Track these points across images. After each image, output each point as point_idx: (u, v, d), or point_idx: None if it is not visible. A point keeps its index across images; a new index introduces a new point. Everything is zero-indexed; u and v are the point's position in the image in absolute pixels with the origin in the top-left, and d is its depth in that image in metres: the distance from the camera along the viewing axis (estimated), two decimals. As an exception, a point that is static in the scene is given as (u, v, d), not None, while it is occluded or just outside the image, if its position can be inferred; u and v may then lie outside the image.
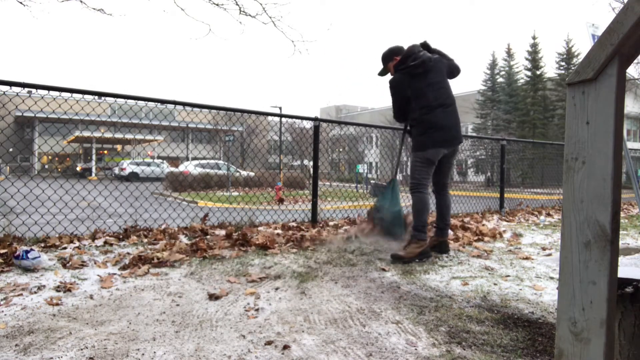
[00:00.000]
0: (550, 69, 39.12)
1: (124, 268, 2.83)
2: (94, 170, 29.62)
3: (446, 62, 3.56)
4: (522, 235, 4.70)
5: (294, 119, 4.25)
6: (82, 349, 1.66)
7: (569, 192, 0.93)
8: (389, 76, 3.65)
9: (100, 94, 3.70)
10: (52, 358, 1.59)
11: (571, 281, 0.91)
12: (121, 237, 3.70)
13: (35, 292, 2.32)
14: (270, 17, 5.91)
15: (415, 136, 3.46)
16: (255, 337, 1.84)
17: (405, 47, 3.55)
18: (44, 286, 2.42)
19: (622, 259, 2.11)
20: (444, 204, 3.63)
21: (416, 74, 3.38)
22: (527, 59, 30.08)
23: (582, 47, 29.13)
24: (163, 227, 4.09)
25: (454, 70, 3.61)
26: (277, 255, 3.34)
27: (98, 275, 2.66)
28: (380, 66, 3.70)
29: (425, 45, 3.57)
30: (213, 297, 2.34)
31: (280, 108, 26.67)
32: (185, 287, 2.51)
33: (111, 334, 1.82)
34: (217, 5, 5.82)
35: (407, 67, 3.40)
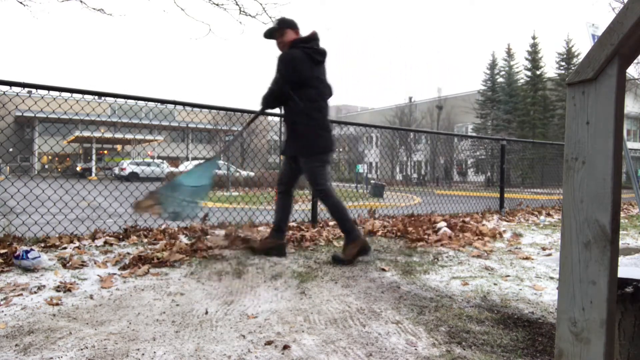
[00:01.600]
0: (550, 69, 39.11)
1: (124, 268, 2.83)
2: (94, 170, 29.62)
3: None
4: (522, 235, 4.70)
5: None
6: (82, 349, 1.66)
7: (569, 192, 0.93)
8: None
9: (100, 94, 3.70)
10: (52, 358, 1.59)
11: (571, 281, 0.91)
12: (121, 237, 3.70)
13: (35, 292, 2.32)
14: (270, 17, 5.92)
15: (307, 138, 3.16)
16: (255, 337, 1.84)
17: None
18: (44, 286, 2.42)
19: (622, 259, 2.11)
20: (290, 205, 3.43)
21: (315, 60, 3.14)
22: (527, 59, 30.07)
23: (582, 47, 29.14)
24: (163, 227, 4.09)
25: (330, 88, 3.40)
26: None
27: (98, 275, 2.66)
28: (270, 26, 3.35)
29: None
30: (213, 297, 2.34)
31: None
32: (185, 287, 2.51)
33: (111, 334, 1.82)
34: (217, 5, 5.82)
35: (310, 47, 3.14)
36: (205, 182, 3.19)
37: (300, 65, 3.08)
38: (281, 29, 3.24)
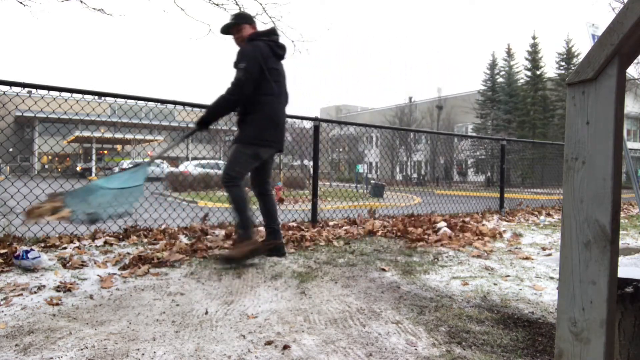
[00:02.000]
0: (550, 69, 39.10)
1: (124, 268, 2.83)
2: (94, 170, 29.62)
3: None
4: (522, 235, 4.70)
5: (294, 119, 4.25)
6: (82, 349, 1.66)
7: (569, 192, 0.93)
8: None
9: (100, 94, 3.70)
10: (52, 358, 1.59)
11: (571, 281, 0.91)
12: (121, 237, 3.70)
13: (35, 292, 2.32)
14: (270, 17, 5.92)
15: (250, 126, 3.04)
16: (255, 337, 1.84)
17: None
18: (44, 286, 2.42)
19: (622, 259, 2.11)
20: (271, 204, 3.30)
21: (276, 53, 3.08)
22: (527, 59, 30.07)
23: (582, 47, 29.13)
24: (163, 227, 4.09)
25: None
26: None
27: (98, 275, 2.66)
28: (227, 21, 3.20)
29: None
30: (213, 297, 2.34)
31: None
32: (185, 287, 2.51)
33: (111, 334, 1.82)
34: (217, 5, 5.83)
35: (271, 40, 3.07)
36: (136, 183, 3.05)
37: (260, 57, 2.97)
38: (238, 24, 3.15)
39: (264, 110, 3.02)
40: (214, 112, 3.09)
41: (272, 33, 3.16)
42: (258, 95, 3.00)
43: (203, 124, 3.12)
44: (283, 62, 3.21)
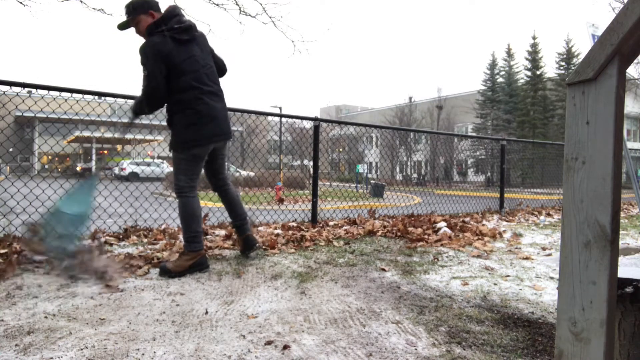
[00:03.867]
0: (550, 69, 39.09)
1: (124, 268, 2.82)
2: (94, 170, 29.62)
3: (210, 48, 2.93)
4: (522, 235, 4.70)
5: (294, 119, 4.25)
6: (82, 349, 1.66)
7: (569, 192, 0.93)
8: (131, 32, 2.78)
9: (100, 94, 3.70)
10: (52, 358, 1.59)
11: (571, 281, 0.91)
12: (121, 237, 3.70)
13: (35, 292, 2.32)
14: (270, 17, 5.92)
15: (177, 128, 2.77)
16: (255, 337, 1.84)
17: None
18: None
19: (622, 259, 2.11)
20: (231, 198, 3.09)
21: (181, 40, 2.68)
22: (527, 59, 30.09)
23: (582, 47, 29.13)
24: (163, 227, 4.09)
25: (220, 64, 2.99)
26: (277, 255, 3.34)
27: (98, 275, 2.66)
28: (123, 16, 2.80)
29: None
30: (213, 297, 2.34)
31: (280, 108, 26.68)
32: (185, 287, 2.51)
33: (111, 334, 1.82)
34: (217, 5, 5.82)
35: (170, 28, 2.66)
36: (84, 209, 2.73)
37: (161, 52, 2.61)
38: (133, 18, 2.74)
39: (188, 108, 2.72)
40: (136, 112, 2.85)
41: (168, 18, 2.72)
42: (176, 94, 2.71)
43: (134, 115, 2.88)
44: (195, 41, 2.79)
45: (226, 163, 3.17)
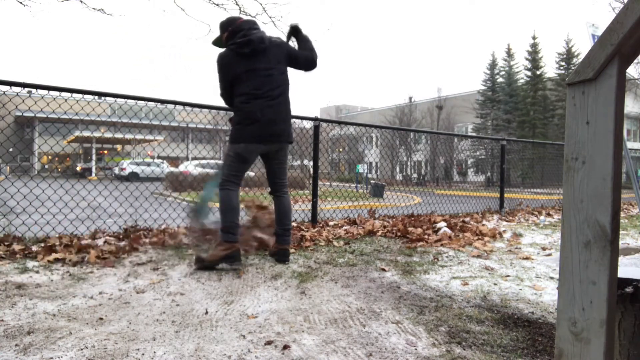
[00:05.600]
0: (550, 69, 39.14)
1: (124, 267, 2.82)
2: (94, 170, 29.63)
3: (287, 49, 3.17)
4: (522, 235, 4.70)
5: (294, 119, 4.24)
6: (82, 349, 1.66)
7: (569, 192, 0.93)
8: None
9: (100, 94, 3.70)
10: (52, 358, 1.59)
11: (571, 281, 0.91)
12: (121, 237, 3.69)
13: (35, 292, 2.32)
14: (270, 17, 5.93)
15: (232, 127, 3.09)
16: (255, 337, 1.84)
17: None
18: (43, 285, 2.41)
19: (622, 259, 2.11)
20: (280, 207, 3.24)
21: (242, 54, 3.00)
22: (527, 59, 30.08)
23: (582, 47, 29.12)
24: (163, 227, 4.09)
25: (298, 59, 3.20)
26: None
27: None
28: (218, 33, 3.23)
29: (295, 30, 3.23)
30: (213, 297, 2.34)
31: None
32: (185, 287, 2.51)
33: (111, 334, 1.82)
34: (217, 5, 5.83)
35: (234, 43, 3.02)
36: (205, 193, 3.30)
37: (223, 63, 3.03)
38: (222, 35, 3.16)
39: (240, 111, 3.02)
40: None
41: (234, 33, 3.05)
42: (235, 98, 3.06)
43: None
44: (262, 52, 3.05)
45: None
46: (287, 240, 3.19)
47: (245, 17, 3.29)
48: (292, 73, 3.25)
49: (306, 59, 3.20)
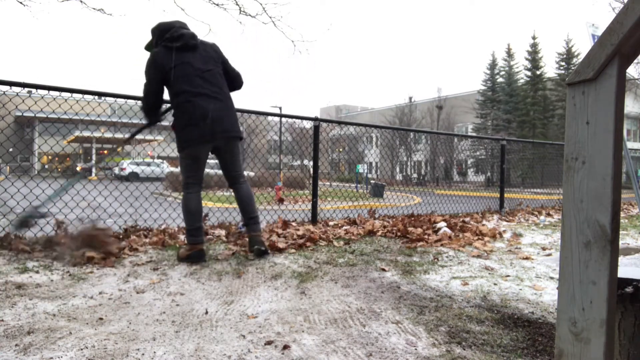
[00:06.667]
0: (550, 69, 39.07)
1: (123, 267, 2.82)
2: (93, 170, 29.61)
3: (223, 57, 3.16)
4: (522, 235, 4.70)
5: (294, 119, 4.25)
6: (82, 349, 1.66)
7: (569, 192, 0.93)
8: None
9: (100, 94, 3.70)
10: (52, 358, 1.59)
11: (571, 281, 0.91)
12: (121, 237, 3.69)
13: (35, 292, 2.32)
14: (270, 17, 5.93)
15: (176, 130, 3.02)
16: (255, 337, 1.84)
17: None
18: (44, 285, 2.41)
19: (622, 259, 2.11)
20: (241, 196, 3.20)
21: (175, 48, 2.93)
22: (527, 59, 30.08)
23: (582, 47, 29.12)
24: (163, 227, 4.09)
25: (229, 70, 3.18)
26: (276, 255, 3.34)
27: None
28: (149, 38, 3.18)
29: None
30: (213, 297, 2.34)
31: (280, 108, 26.70)
32: (185, 287, 2.51)
33: (111, 334, 1.82)
34: (217, 5, 5.83)
35: (164, 39, 2.97)
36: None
37: (153, 62, 2.95)
38: (152, 39, 3.12)
39: (180, 111, 2.96)
40: (144, 114, 3.12)
41: (163, 32, 3.01)
42: (173, 97, 2.99)
43: (147, 117, 3.14)
44: (194, 49, 3.02)
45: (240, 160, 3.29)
46: (255, 228, 3.18)
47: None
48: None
49: (237, 75, 3.24)
